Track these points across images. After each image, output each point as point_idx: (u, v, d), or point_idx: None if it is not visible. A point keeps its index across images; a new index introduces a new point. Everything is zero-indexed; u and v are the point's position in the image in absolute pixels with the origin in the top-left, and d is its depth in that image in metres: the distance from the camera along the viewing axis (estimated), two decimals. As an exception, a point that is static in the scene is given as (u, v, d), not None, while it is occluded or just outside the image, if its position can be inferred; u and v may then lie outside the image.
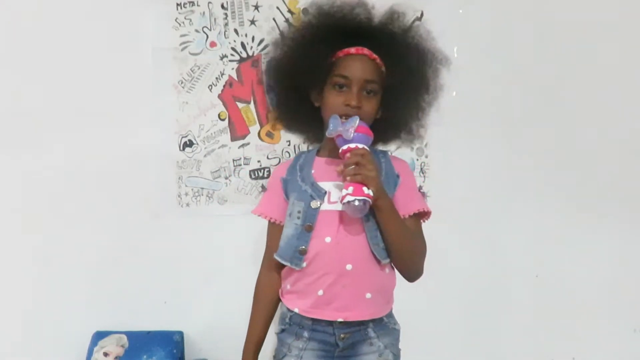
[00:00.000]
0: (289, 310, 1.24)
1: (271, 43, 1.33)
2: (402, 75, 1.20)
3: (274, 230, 1.29)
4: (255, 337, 1.29)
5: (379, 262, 1.18)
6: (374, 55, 1.19)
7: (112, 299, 1.95)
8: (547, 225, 1.98)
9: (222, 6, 1.95)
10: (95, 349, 1.86)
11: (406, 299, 1.91)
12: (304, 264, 1.19)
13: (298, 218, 1.20)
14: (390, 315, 1.27)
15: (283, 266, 1.25)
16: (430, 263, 1.90)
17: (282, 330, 1.26)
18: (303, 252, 1.19)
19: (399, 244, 1.18)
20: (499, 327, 1.98)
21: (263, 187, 1.27)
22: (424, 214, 1.26)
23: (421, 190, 1.32)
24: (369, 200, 1.11)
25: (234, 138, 1.98)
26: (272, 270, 1.29)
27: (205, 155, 1.98)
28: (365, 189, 1.11)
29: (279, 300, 1.29)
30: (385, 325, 1.24)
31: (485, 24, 1.96)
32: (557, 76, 1.96)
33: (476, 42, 1.96)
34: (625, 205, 1.98)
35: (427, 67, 1.24)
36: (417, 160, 1.98)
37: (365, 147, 1.14)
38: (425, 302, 1.96)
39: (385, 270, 1.22)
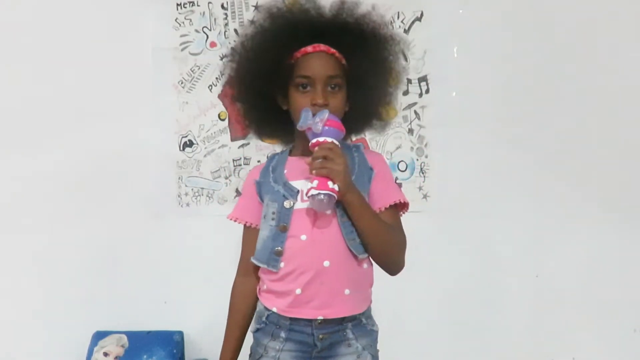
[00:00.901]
0: (266, 309, 1.22)
1: (227, 54, 1.32)
2: (364, 64, 1.18)
3: (250, 234, 1.27)
4: (233, 344, 1.26)
5: (355, 257, 1.17)
6: (332, 50, 1.17)
7: (112, 299, 1.95)
8: (546, 225, 1.98)
9: (222, 6, 1.95)
10: (95, 349, 1.86)
11: (406, 299, 1.92)
12: (281, 264, 1.17)
13: (272, 219, 1.19)
14: (369, 316, 1.25)
15: (259, 268, 1.24)
16: (430, 263, 1.91)
17: (258, 330, 1.23)
18: (279, 254, 1.17)
19: (373, 238, 1.16)
20: (499, 327, 1.97)
21: (238, 191, 1.26)
22: (402, 206, 1.23)
23: (397, 182, 1.30)
24: (334, 194, 1.10)
25: (234, 138, 1.98)
26: (248, 275, 1.27)
27: (205, 155, 1.98)
28: (330, 183, 1.09)
29: (255, 307, 1.28)
30: (364, 327, 1.22)
31: (485, 24, 1.96)
32: (557, 76, 1.96)
33: (476, 42, 1.96)
34: (625, 205, 1.98)
35: (387, 52, 1.22)
36: (417, 160, 1.98)
37: (335, 141, 1.12)
38: (424, 301, 1.96)
39: (363, 266, 1.20)
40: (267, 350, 1.20)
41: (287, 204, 1.17)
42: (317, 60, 1.17)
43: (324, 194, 1.09)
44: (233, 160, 1.98)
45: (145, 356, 1.84)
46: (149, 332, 1.90)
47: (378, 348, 1.26)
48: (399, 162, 1.98)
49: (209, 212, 1.98)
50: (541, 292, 1.99)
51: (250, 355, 1.25)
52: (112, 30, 1.94)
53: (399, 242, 1.21)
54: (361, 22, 1.20)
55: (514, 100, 1.97)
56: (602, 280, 1.97)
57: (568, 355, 1.99)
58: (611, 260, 1.98)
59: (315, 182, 1.10)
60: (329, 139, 1.11)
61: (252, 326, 1.26)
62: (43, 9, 1.94)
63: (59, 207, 1.96)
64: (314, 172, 1.11)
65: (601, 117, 1.96)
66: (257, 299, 1.26)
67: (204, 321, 1.98)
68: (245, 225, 1.28)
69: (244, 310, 1.27)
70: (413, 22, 1.96)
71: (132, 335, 1.89)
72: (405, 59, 1.30)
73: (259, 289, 1.25)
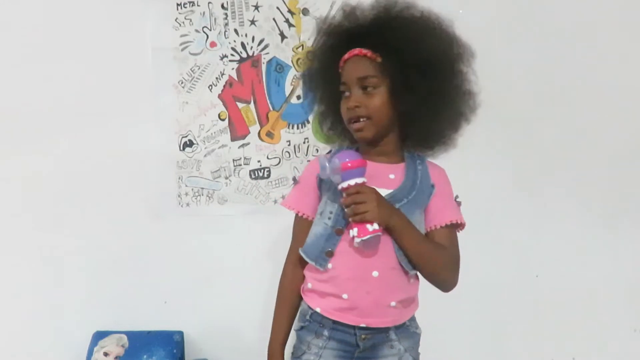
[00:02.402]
0: (309, 307, 1.22)
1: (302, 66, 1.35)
2: (396, 58, 1.14)
3: (303, 224, 1.26)
4: (282, 334, 1.27)
5: (406, 273, 1.17)
6: (364, 51, 1.16)
7: (112, 299, 1.95)
8: (547, 225, 1.98)
9: (222, 6, 1.95)
10: (95, 349, 1.86)
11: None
12: (329, 265, 1.17)
13: (329, 219, 1.18)
14: (412, 319, 1.25)
15: (307, 262, 1.24)
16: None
17: (302, 328, 1.24)
18: (330, 255, 1.17)
19: (417, 258, 1.17)
20: (498, 327, 1.98)
21: (295, 179, 1.25)
22: (458, 225, 1.25)
23: (457, 200, 1.29)
24: (377, 234, 1.11)
25: (234, 138, 1.98)
26: (297, 266, 1.27)
27: (205, 155, 1.98)
28: (369, 226, 1.10)
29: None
30: (407, 329, 1.23)
31: (485, 24, 1.95)
32: (557, 76, 1.96)
33: (476, 42, 1.95)
34: (625, 205, 1.98)
35: (415, 38, 1.16)
36: (417, 160, 1.98)
37: (359, 180, 1.11)
38: (424, 301, 1.96)
39: (411, 280, 1.21)
40: (310, 347, 1.21)
41: None
42: (351, 64, 1.18)
43: (365, 239, 1.10)
44: (233, 160, 1.98)
45: (145, 356, 1.84)
46: (149, 332, 1.90)
47: (419, 351, 1.27)
48: (399, 162, 1.98)
49: (209, 212, 1.98)
50: (541, 292, 1.99)
51: (292, 353, 1.26)
52: (112, 30, 1.94)
53: (448, 262, 1.22)
54: (395, 18, 1.18)
55: (513, 100, 1.96)
56: (602, 280, 1.97)
57: (568, 355, 1.99)
58: (611, 260, 1.98)
59: (356, 230, 1.11)
60: (352, 182, 1.11)
61: (296, 324, 1.27)
62: (43, 9, 1.94)
63: (58, 207, 1.96)
64: (350, 219, 1.12)
65: (601, 117, 1.96)
66: None
67: (204, 321, 1.98)
68: (299, 215, 1.27)
69: (293, 298, 1.27)
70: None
71: (132, 335, 1.89)
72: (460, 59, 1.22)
73: (303, 287, 1.25)
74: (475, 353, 1.97)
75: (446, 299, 1.97)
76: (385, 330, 1.19)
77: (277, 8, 1.94)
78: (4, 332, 1.96)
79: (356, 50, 1.18)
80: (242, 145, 1.98)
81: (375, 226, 1.11)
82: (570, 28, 1.95)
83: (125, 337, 1.88)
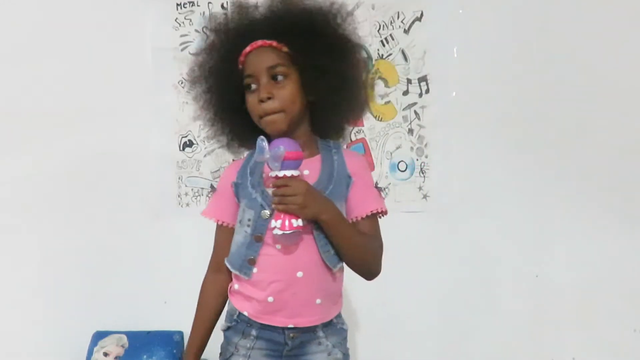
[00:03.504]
0: (236, 309, 1.22)
1: (187, 74, 1.28)
2: (300, 44, 1.13)
3: (223, 233, 1.26)
4: (198, 341, 1.26)
5: (330, 269, 1.17)
6: (268, 42, 1.14)
7: (112, 299, 1.95)
8: (547, 225, 1.98)
9: (222, 6, 1.95)
10: (95, 349, 1.86)
11: (405, 299, 1.92)
12: (254, 270, 1.17)
13: (248, 226, 1.17)
14: (338, 315, 1.24)
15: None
16: (429, 262, 1.91)
17: (229, 328, 1.23)
18: (252, 262, 1.17)
19: (348, 250, 1.16)
20: (498, 327, 1.97)
21: (212, 187, 1.23)
22: (380, 213, 1.21)
23: (377, 187, 1.27)
24: (298, 230, 1.09)
25: (234, 138, 1.98)
26: (219, 273, 1.26)
27: (205, 155, 1.98)
28: (294, 221, 1.08)
29: (224, 304, 1.27)
30: (334, 326, 1.23)
31: (485, 24, 1.96)
32: (557, 76, 1.96)
33: (476, 42, 1.96)
34: (625, 204, 1.98)
35: (320, 25, 1.15)
36: (417, 160, 1.98)
37: (292, 172, 1.09)
38: (424, 301, 1.96)
39: (336, 275, 1.20)
40: (238, 349, 1.20)
41: (264, 214, 1.15)
42: (256, 56, 1.15)
43: (287, 234, 1.09)
44: (233, 160, 1.98)
45: (145, 356, 1.84)
46: (149, 332, 1.90)
47: (348, 346, 1.26)
48: (399, 162, 1.98)
49: (209, 212, 1.97)
50: (541, 292, 1.99)
51: (220, 354, 1.25)
52: (112, 30, 1.94)
53: (375, 250, 1.20)
54: (294, 8, 1.17)
55: (514, 100, 1.96)
56: (602, 280, 1.97)
57: (568, 355, 1.99)
58: (611, 260, 1.98)
59: (279, 222, 1.09)
60: (281, 174, 1.08)
61: (223, 324, 1.25)
62: (43, 9, 1.94)
63: (59, 207, 1.96)
64: (274, 207, 1.10)
65: (601, 116, 1.96)
66: (227, 296, 1.26)
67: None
68: (219, 223, 1.26)
69: (213, 307, 1.27)
70: (413, 22, 1.96)
71: (132, 335, 1.89)
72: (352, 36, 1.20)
73: (230, 287, 1.25)
74: (475, 353, 1.97)
75: (445, 298, 1.98)
76: (313, 328, 1.19)
77: (277, 8, 1.94)
78: (4, 332, 1.96)
79: (260, 42, 1.14)
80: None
81: (300, 222, 1.09)
82: (571, 27, 1.94)
83: (125, 337, 1.88)
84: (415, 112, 1.98)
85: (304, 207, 1.09)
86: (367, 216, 1.19)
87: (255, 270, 1.17)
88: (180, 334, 1.91)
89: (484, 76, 1.96)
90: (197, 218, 1.97)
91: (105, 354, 1.85)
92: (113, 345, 1.86)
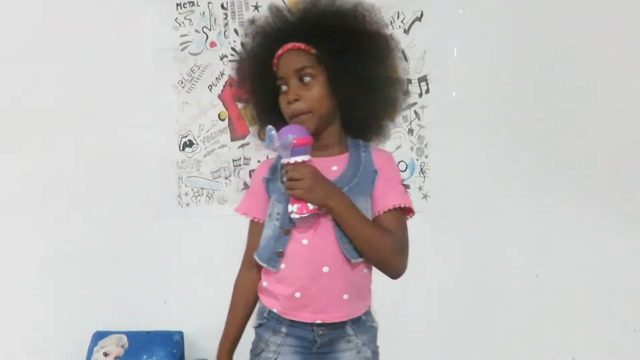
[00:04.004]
0: (266, 306, 1.24)
1: (234, 80, 1.35)
2: (328, 46, 1.15)
3: (255, 228, 1.28)
4: (231, 337, 1.28)
5: (349, 261, 1.17)
6: (297, 44, 1.17)
7: (112, 299, 1.96)
8: (547, 225, 1.98)
9: (222, 6, 1.95)
10: (95, 349, 1.86)
11: (405, 298, 1.92)
12: (281, 266, 1.18)
13: (277, 220, 1.19)
14: (368, 313, 1.26)
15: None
16: (429, 262, 1.91)
17: (260, 325, 1.24)
18: (280, 255, 1.18)
19: (361, 241, 1.16)
20: (498, 327, 1.97)
21: (246, 184, 1.26)
22: (407, 210, 1.23)
23: (404, 183, 1.28)
24: (311, 214, 1.12)
25: (234, 138, 1.98)
26: (252, 269, 1.28)
27: (205, 155, 1.98)
28: (309, 205, 1.12)
29: (257, 299, 1.29)
30: (363, 323, 1.24)
31: (485, 24, 1.96)
32: (557, 76, 1.96)
33: (476, 42, 1.96)
34: (625, 205, 1.98)
35: (347, 26, 1.18)
36: (417, 160, 1.98)
37: (302, 158, 1.13)
38: (424, 301, 1.96)
39: (363, 270, 1.21)
40: (269, 345, 1.22)
41: (291, 207, 1.17)
42: (286, 58, 1.19)
43: (304, 216, 1.12)
44: (233, 160, 1.98)
45: (145, 356, 1.84)
46: (149, 332, 1.90)
47: (378, 344, 1.27)
48: (399, 162, 1.98)
49: (209, 212, 1.98)
50: (541, 292, 1.99)
51: (251, 350, 1.26)
52: (112, 30, 1.94)
53: (394, 246, 1.19)
54: (324, 10, 1.20)
55: (514, 100, 1.96)
56: (602, 280, 1.97)
57: (568, 355, 1.99)
58: (611, 260, 1.98)
59: (296, 207, 1.12)
60: (292, 160, 1.12)
61: (254, 321, 1.27)
62: (43, 9, 1.94)
63: (59, 207, 1.96)
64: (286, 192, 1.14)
65: (602, 117, 1.96)
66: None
67: (204, 321, 1.97)
68: (251, 219, 1.29)
69: (245, 303, 1.29)
70: (413, 22, 1.96)
71: (132, 335, 1.89)
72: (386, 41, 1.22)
73: (259, 286, 1.27)
74: (475, 353, 1.97)
75: (446, 298, 1.98)
76: (342, 324, 1.20)
77: (277, 8, 1.94)
78: (4, 332, 1.96)
79: (289, 45, 1.18)
80: (242, 145, 1.98)
81: (312, 206, 1.12)
82: (571, 27, 1.94)
83: (125, 337, 1.88)
84: (415, 112, 1.98)
85: (310, 191, 1.12)
86: (389, 210, 1.19)
87: (283, 265, 1.18)
88: (180, 334, 1.91)
89: (484, 76, 1.96)
90: (197, 218, 1.99)
91: (105, 354, 1.85)
92: (113, 345, 1.86)
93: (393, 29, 1.97)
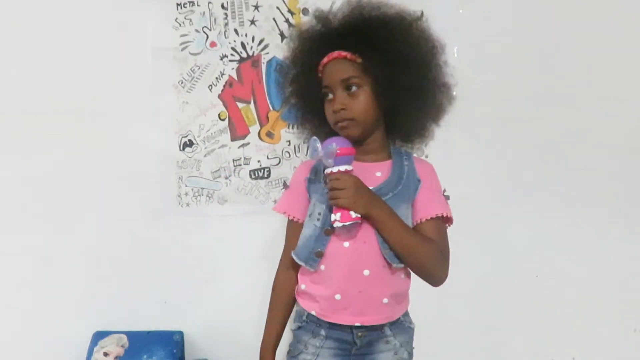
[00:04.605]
0: (305, 309, 1.24)
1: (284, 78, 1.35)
2: (375, 57, 1.16)
3: (294, 228, 1.28)
4: (274, 336, 1.29)
5: (389, 265, 1.18)
6: (344, 53, 1.18)
7: (112, 299, 1.95)
8: (547, 225, 1.98)
9: (222, 6, 1.95)
10: (95, 349, 1.86)
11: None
12: (321, 267, 1.19)
13: (318, 220, 1.20)
14: (405, 314, 1.27)
15: (299, 265, 1.25)
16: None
17: (299, 328, 1.26)
18: (319, 255, 1.19)
19: (401, 249, 1.17)
20: (498, 326, 1.98)
21: (285, 184, 1.27)
22: (447, 219, 1.25)
23: (445, 194, 1.30)
24: (355, 222, 1.13)
25: (234, 138, 1.98)
26: (290, 269, 1.29)
27: (205, 155, 1.98)
28: (352, 213, 1.13)
29: (295, 299, 1.29)
30: (401, 324, 1.25)
31: (485, 24, 1.96)
32: (557, 76, 1.96)
33: (476, 42, 1.96)
34: (625, 205, 1.98)
35: (392, 35, 1.19)
36: (417, 160, 1.98)
37: (346, 167, 1.14)
38: (424, 301, 1.96)
39: (401, 276, 1.22)
40: (307, 347, 1.23)
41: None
42: (332, 67, 1.20)
43: (347, 225, 1.13)
44: (233, 160, 1.98)
45: (145, 356, 1.84)
46: (149, 332, 1.90)
47: (414, 345, 1.28)
48: (399, 162, 1.98)
49: (209, 212, 1.98)
50: (541, 292, 1.99)
51: (288, 352, 1.27)
52: (112, 30, 1.94)
53: (435, 255, 1.20)
54: (369, 18, 1.20)
55: (514, 100, 1.96)
56: (602, 280, 1.98)
57: (568, 355, 1.99)
58: (611, 260, 1.98)
59: (339, 215, 1.14)
60: (335, 169, 1.14)
61: (292, 324, 1.29)
62: (43, 10, 1.94)
63: (58, 207, 1.96)
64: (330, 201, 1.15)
65: (602, 117, 1.96)
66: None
67: (204, 321, 1.98)
68: (291, 219, 1.29)
69: (285, 303, 1.30)
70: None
71: (132, 335, 1.89)
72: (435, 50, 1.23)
73: (297, 289, 1.27)
74: (475, 353, 1.97)
75: (446, 298, 1.97)
76: (381, 326, 1.21)
77: (277, 8, 1.94)
78: (4, 332, 1.96)
79: (335, 53, 1.19)
80: (242, 145, 1.98)
81: (357, 214, 1.14)
82: (571, 27, 1.94)
83: (125, 337, 1.88)
84: (415, 112, 1.98)
85: (354, 200, 1.13)
86: (431, 219, 1.21)
87: (322, 267, 1.19)
88: (180, 334, 1.91)
89: (484, 76, 1.96)
90: (197, 218, 1.99)
91: (105, 354, 1.85)
92: (113, 345, 1.86)
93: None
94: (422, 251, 1.19)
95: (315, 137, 1.14)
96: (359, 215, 1.13)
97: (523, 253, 1.99)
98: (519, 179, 1.98)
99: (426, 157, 1.98)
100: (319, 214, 1.20)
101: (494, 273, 1.98)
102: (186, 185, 1.99)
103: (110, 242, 1.96)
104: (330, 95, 1.20)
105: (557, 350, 1.99)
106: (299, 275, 1.26)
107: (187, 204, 1.99)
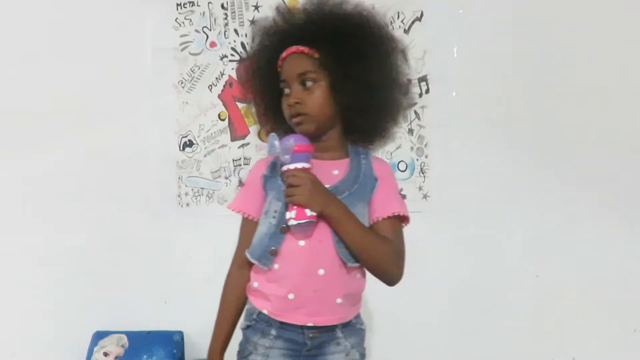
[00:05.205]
0: (256, 307, 1.23)
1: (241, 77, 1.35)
2: (332, 52, 1.15)
3: (249, 226, 1.26)
4: (222, 336, 1.27)
5: (345, 265, 1.17)
6: (301, 48, 1.17)
7: (112, 299, 1.95)
8: (547, 225, 1.98)
9: (222, 6, 1.96)
10: (95, 349, 1.86)
11: (405, 299, 1.92)
12: (275, 266, 1.17)
13: (274, 217, 1.18)
14: (357, 316, 1.26)
15: (253, 264, 1.24)
16: (429, 263, 1.91)
17: (248, 327, 1.24)
18: (274, 253, 1.17)
19: (357, 248, 1.16)
20: (499, 327, 1.97)
21: (241, 181, 1.25)
22: (403, 218, 1.23)
23: (401, 193, 1.29)
24: (312, 220, 1.12)
25: (234, 138, 1.98)
26: (243, 268, 1.27)
27: (205, 155, 1.98)
28: (307, 211, 1.12)
29: (247, 299, 1.28)
30: (353, 326, 1.24)
31: (485, 24, 1.96)
32: (557, 76, 1.96)
33: (476, 42, 1.96)
34: (625, 205, 1.98)
35: (350, 31, 1.17)
36: (417, 160, 1.98)
37: (303, 165, 1.13)
38: (424, 301, 1.96)
39: (357, 275, 1.20)
40: (257, 348, 1.21)
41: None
42: (289, 62, 1.19)
43: (302, 223, 1.12)
44: (233, 160, 1.98)
45: (145, 356, 1.84)
46: (149, 332, 1.90)
47: (365, 346, 1.27)
48: (399, 162, 1.98)
49: (209, 212, 1.98)
50: (541, 292, 1.99)
51: (238, 352, 1.25)
52: (112, 30, 1.94)
53: (390, 253, 1.19)
54: (329, 14, 1.20)
55: (514, 100, 1.96)
56: (602, 280, 1.97)
57: (568, 355, 1.99)
58: (611, 260, 1.98)
59: (294, 213, 1.12)
60: (292, 166, 1.13)
61: (242, 323, 1.26)
62: (43, 10, 1.94)
63: (58, 207, 1.96)
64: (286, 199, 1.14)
65: (602, 117, 1.96)
66: None
67: (204, 321, 1.95)
68: (245, 217, 1.27)
69: (236, 303, 1.27)
70: (413, 22, 1.96)
71: (132, 335, 1.89)
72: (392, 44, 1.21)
73: (249, 287, 1.25)
74: (475, 353, 1.97)
75: (446, 298, 1.98)
76: (332, 328, 1.19)
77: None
78: (4, 332, 1.96)
79: (293, 48, 1.18)
80: (242, 145, 1.98)
81: (313, 212, 1.12)
82: (571, 27, 1.94)
83: (125, 337, 1.88)
84: (415, 112, 1.98)
85: (310, 198, 1.12)
86: (388, 217, 1.20)
87: (276, 266, 1.17)
88: (180, 334, 1.91)
89: (484, 76, 1.96)
90: (197, 218, 1.99)
91: (105, 354, 1.85)
92: (113, 345, 1.86)
93: (393, 29, 1.96)
94: (377, 250, 1.18)
95: (273, 134, 1.13)
96: (314, 214, 1.12)
97: (523, 253, 1.99)
98: (519, 179, 1.97)
99: (426, 157, 1.99)
100: (275, 211, 1.18)
101: (494, 273, 1.98)
102: (186, 185, 1.99)
103: (110, 242, 1.96)
104: (287, 90, 1.19)
105: (557, 350, 1.99)
106: (252, 273, 1.24)
107: (187, 204, 1.99)
